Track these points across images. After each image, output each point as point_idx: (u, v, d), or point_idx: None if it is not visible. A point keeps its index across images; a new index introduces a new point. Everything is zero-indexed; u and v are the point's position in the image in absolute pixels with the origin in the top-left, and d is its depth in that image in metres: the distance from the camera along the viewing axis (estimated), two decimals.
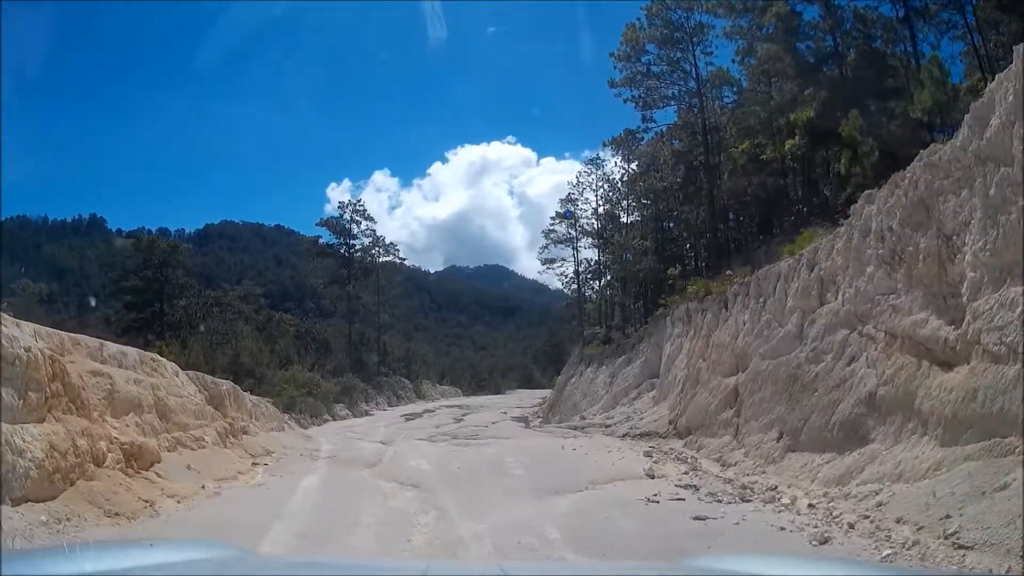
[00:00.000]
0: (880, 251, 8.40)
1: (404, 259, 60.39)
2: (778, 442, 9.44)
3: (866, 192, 9.55)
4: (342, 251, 51.44)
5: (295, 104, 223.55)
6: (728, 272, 14.65)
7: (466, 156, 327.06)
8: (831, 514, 6.76)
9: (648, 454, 11.69)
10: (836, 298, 9.25)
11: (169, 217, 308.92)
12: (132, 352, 9.95)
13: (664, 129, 32.52)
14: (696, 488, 8.21)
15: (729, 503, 7.37)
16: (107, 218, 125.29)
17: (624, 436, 15.09)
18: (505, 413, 35.81)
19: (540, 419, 33.76)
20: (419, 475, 10.22)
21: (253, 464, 11.23)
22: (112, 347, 9.58)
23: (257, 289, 50.08)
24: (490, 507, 7.61)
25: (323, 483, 9.71)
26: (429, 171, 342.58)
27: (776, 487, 8.06)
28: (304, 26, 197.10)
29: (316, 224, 52.74)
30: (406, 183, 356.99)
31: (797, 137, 23.69)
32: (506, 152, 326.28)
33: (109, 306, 40.39)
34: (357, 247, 52.11)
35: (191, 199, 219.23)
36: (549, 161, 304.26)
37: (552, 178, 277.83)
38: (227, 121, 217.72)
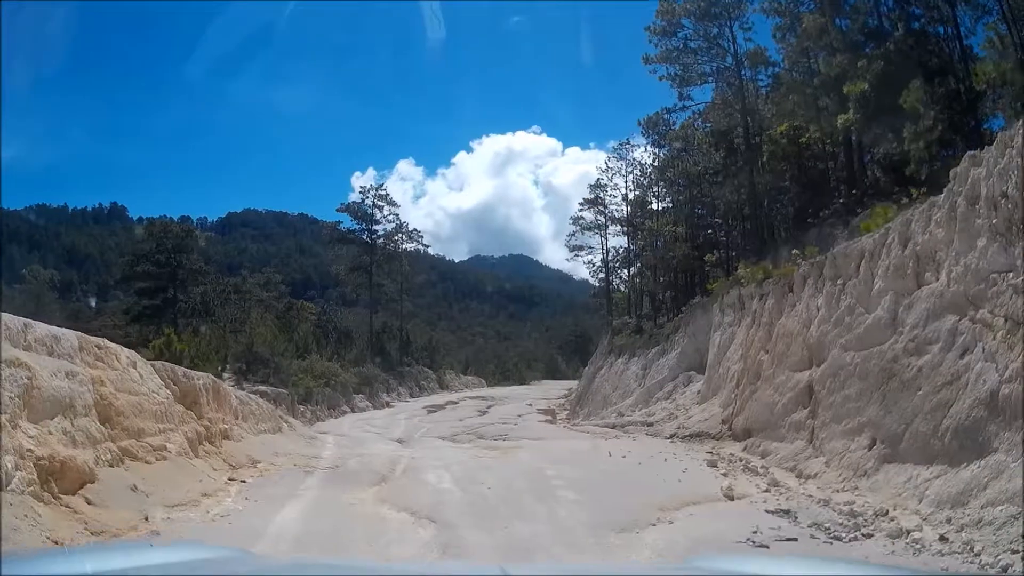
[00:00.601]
0: (993, 221, 6.90)
1: (428, 246, 58.81)
2: (869, 450, 7.87)
3: (969, 153, 7.94)
4: (364, 237, 50.03)
5: (319, 92, 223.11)
6: (795, 252, 12.96)
7: (491, 146, 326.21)
8: (972, 549, 5.26)
9: (712, 463, 10.03)
10: (938, 278, 7.68)
11: (192, 206, 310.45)
12: (70, 336, 7.47)
13: (701, 108, 30.78)
14: (794, 516, 6.61)
15: (850, 541, 5.79)
16: (128, 207, 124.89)
17: (672, 438, 13.50)
18: (530, 405, 34.61)
19: (567, 412, 32.72)
20: (439, 499, 7.97)
21: (228, 481, 9.00)
22: (40, 329, 7.17)
23: (277, 276, 48.73)
24: (540, 556, 5.50)
25: (308, 515, 7.25)
26: (454, 160, 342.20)
27: (887, 512, 6.50)
28: (331, 14, 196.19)
29: (337, 209, 51.22)
30: (431, 172, 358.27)
31: (852, 111, 21.93)
32: (531, 142, 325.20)
33: (128, 294, 39.59)
34: (379, 233, 50.66)
35: (215, 188, 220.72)
36: (574, 151, 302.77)
37: (577, 168, 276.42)
38: (251, 110, 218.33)
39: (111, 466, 6.85)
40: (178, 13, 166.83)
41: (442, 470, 10.23)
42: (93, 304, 37.93)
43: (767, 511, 6.90)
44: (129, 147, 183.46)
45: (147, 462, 7.61)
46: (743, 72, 29.67)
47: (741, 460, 10.26)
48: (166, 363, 11.02)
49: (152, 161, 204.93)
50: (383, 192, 51.18)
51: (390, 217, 50.93)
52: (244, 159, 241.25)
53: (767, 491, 7.94)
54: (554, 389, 48.69)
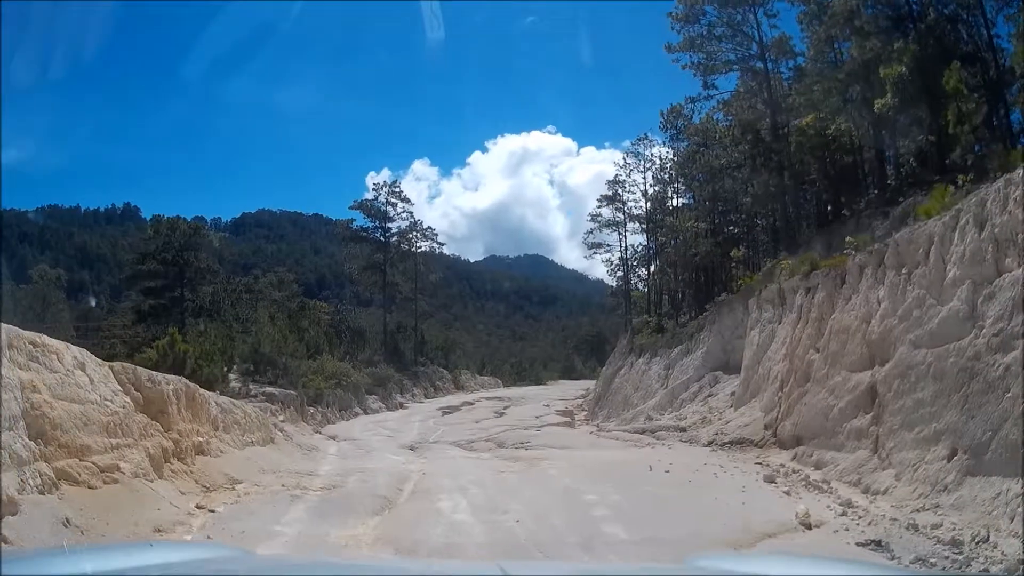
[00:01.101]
0: None
1: (443, 244, 57.62)
2: (949, 462, 6.82)
3: None
4: (377, 235, 49.05)
5: (332, 93, 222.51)
6: (849, 239, 11.83)
7: (506, 145, 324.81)
8: None
9: (770, 479, 8.82)
10: (1020, 264, 6.64)
11: (206, 207, 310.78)
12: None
13: (726, 97, 29.72)
14: (889, 549, 5.49)
15: None
16: (141, 207, 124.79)
17: (711, 445, 12.42)
18: (548, 406, 33.66)
19: (585, 412, 31.98)
20: (454, 538, 6.50)
21: (196, 508, 7.46)
22: None
23: (290, 275, 47.97)
24: None
25: None
26: (469, 160, 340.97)
27: (987, 537, 5.46)
28: (340, 14, 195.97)
29: (350, 207, 50.26)
30: (446, 172, 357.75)
31: (889, 95, 20.83)
32: (546, 141, 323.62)
33: (139, 293, 38.89)
34: (393, 231, 49.66)
35: (229, 189, 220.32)
36: (589, 150, 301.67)
37: (592, 167, 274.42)
38: (265, 110, 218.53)
39: (41, 493, 5.62)
40: (193, 19, 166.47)
41: (458, 494, 8.75)
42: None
43: (857, 543, 5.80)
44: (141, 148, 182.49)
45: (91, 487, 6.28)
46: (768, 60, 28.64)
47: (795, 472, 9.18)
48: (127, 364, 9.22)
49: (165, 162, 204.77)
50: (396, 189, 50.27)
51: (404, 214, 50.05)
52: (258, 160, 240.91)
53: (843, 515, 6.84)
54: (571, 389, 47.74)
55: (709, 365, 21.00)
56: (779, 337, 13.02)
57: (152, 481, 7.52)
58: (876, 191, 22.87)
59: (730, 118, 31.00)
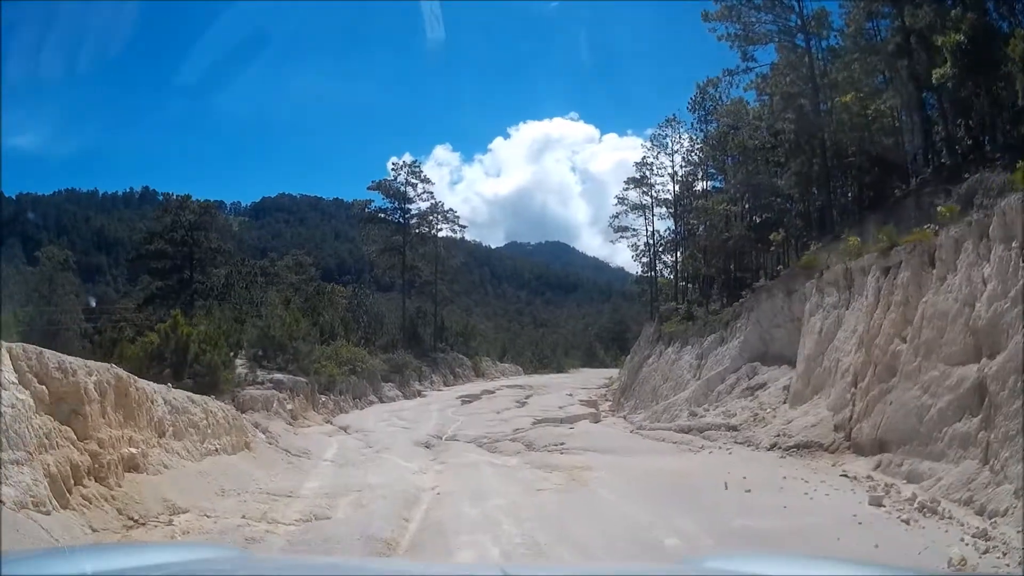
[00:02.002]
0: None
1: (465, 226, 55.70)
2: None
3: None
4: (396, 216, 47.52)
5: (354, 77, 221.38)
6: (941, 208, 10.22)
7: (528, 132, 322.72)
8: None
9: (877, 501, 7.06)
10: None
11: (225, 190, 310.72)
12: None
13: (764, 70, 28.12)
14: None
15: None
16: (159, 191, 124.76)
17: (774, 448, 10.91)
18: (571, 396, 32.38)
19: (611, 403, 30.84)
20: None
21: None
22: None
23: (307, 258, 46.67)
24: None
25: None
26: (491, 146, 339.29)
27: None
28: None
29: (369, 187, 48.40)
30: (467, 158, 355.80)
31: (948, 64, 19.17)
32: (568, 128, 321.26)
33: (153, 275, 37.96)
34: (413, 212, 48.04)
35: (249, 173, 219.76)
36: (612, 137, 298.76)
37: (615, 154, 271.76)
38: (286, 94, 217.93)
39: None
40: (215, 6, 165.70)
41: (484, 532, 6.83)
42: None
43: None
44: (160, 133, 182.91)
45: None
46: (809, 33, 27.03)
47: (890, 487, 7.69)
48: (30, 347, 6.67)
49: (184, 146, 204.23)
50: (416, 168, 48.35)
51: (424, 195, 48.32)
52: (278, 145, 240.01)
53: (986, 552, 5.36)
54: (593, 378, 46.46)
55: (746, 355, 19.77)
56: (848, 324, 11.48)
57: (49, 514, 5.52)
58: (929, 170, 21.23)
59: (764, 97, 29.72)
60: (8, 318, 22.09)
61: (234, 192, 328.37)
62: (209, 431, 10.51)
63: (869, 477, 8.27)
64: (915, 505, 6.91)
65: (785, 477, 8.87)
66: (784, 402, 13.40)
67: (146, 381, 9.47)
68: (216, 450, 10.35)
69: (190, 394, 11.15)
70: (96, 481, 6.71)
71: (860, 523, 6.64)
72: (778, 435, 11.38)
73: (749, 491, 8.28)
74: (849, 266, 12.10)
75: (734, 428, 13.18)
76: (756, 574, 2.38)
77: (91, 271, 71.76)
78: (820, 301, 13.21)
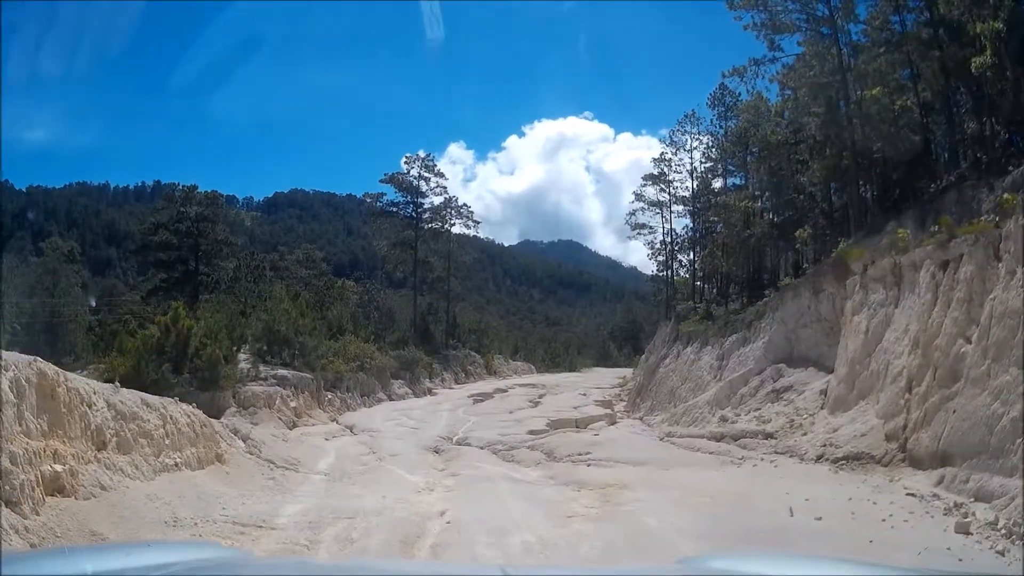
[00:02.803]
0: None
1: (479, 222, 54.42)
2: None
3: None
4: (409, 211, 46.46)
5: (368, 73, 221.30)
6: (1006, 195, 9.27)
7: (543, 131, 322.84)
8: None
9: (963, 528, 6.16)
10: None
11: (238, 186, 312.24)
12: None
13: (790, 60, 27.23)
14: None
15: None
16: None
17: (821, 460, 9.93)
18: (585, 395, 31.58)
19: (625, 403, 29.81)
20: None
21: None
22: None
23: (318, 252, 45.97)
24: None
25: None
26: (505, 144, 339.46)
27: None
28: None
29: (381, 180, 47.46)
30: (481, 156, 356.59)
31: (988, 53, 18.31)
32: (583, 128, 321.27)
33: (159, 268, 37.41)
34: (426, 207, 46.93)
35: (262, 170, 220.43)
36: (626, 136, 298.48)
37: (629, 153, 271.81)
38: (299, 90, 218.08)
39: None
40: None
41: None
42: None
43: None
44: (172, 129, 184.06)
45: None
46: (837, 20, 26.17)
47: (960, 507, 6.77)
48: None
49: (196, 142, 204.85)
50: (430, 162, 47.22)
51: (437, 190, 47.21)
52: (291, 141, 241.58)
53: None
54: (607, 377, 45.55)
55: (771, 357, 18.96)
56: (898, 323, 10.54)
57: None
58: (967, 164, 20.32)
59: (787, 91, 28.85)
60: None
61: (246, 187, 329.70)
62: (167, 441, 8.90)
63: (935, 495, 7.34)
64: (1000, 531, 6.00)
65: (851, 498, 7.85)
66: (822, 407, 12.47)
67: (84, 379, 8.00)
68: (176, 465, 8.79)
69: (145, 395, 9.38)
70: (8, 507, 5.28)
71: (959, 559, 5.73)
72: (824, 445, 10.41)
73: (820, 519, 7.22)
74: (898, 261, 11.16)
75: (771, 436, 12.22)
76: (757, 574, 2.38)
77: (101, 264, 71.74)
78: (864, 299, 12.25)
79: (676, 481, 9.76)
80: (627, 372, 43.71)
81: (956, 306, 8.48)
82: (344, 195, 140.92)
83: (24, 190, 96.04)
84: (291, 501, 8.86)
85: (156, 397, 9.83)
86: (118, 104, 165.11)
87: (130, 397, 8.63)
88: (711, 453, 12.78)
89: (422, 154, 47.54)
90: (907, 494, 7.74)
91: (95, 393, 7.68)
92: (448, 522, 7.65)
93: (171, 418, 9.25)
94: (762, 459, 11.32)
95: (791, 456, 10.93)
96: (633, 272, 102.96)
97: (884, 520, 7.00)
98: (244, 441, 11.54)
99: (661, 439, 16.61)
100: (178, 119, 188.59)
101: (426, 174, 46.12)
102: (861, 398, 11.12)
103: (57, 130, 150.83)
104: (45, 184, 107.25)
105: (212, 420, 11.10)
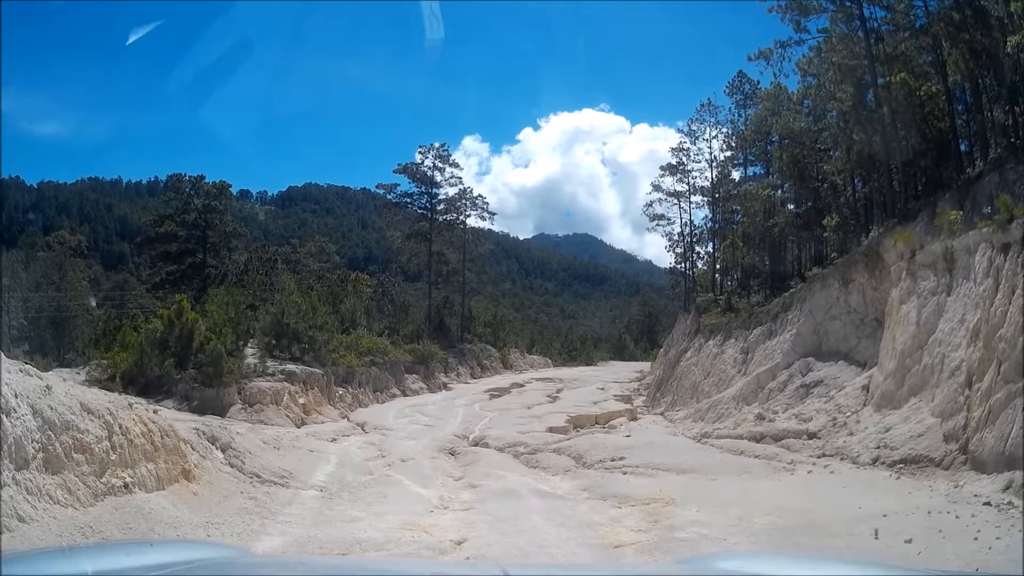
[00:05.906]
0: None
1: (494, 214, 53.76)
2: None
3: None
4: (423, 202, 45.47)
5: (385, 66, 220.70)
6: None
7: (558, 123, 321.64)
8: None
9: None
10: None
11: (252, 180, 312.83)
12: None
13: (818, 42, 26.44)
14: None
15: None
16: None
17: (876, 463, 9.14)
18: (603, 389, 30.88)
19: (644, 398, 29.44)
20: None
21: None
22: None
23: (331, 246, 45.36)
24: None
25: None
26: (520, 137, 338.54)
27: None
28: None
29: (394, 171, 46.46)
30: (496, 149, 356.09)
31: (1022, 32, 17.60)
32: (599, 120, 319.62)
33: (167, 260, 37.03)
34: (440, 197, 45.87)
35: (276, 163, 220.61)
36: (642, 128, 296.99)
37: (645, 145, 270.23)
38: (314, 82, 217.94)
39: None
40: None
41: None
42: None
43: None
44: (185, 121, 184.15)
45: None
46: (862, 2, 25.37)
47: None
48: None
49: (210, 133, 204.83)
50: (444, 152, 45.86)
51: (452, 180, 46.09)
52: (306, 134, 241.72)
53: None
54: (624, 371, 44.99)
55: (799, 350, 18.39)
56: (953, 313, 9.74)
57: None
58: (1002, 146, 19.50)
59: (809, 79, 28.09)
60: None
61: (260, 182, 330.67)
62: (114, 456, 7.24)
63: (1010, 503, 6.56)
64: None
65: (930, 512, 6.91)
66: (865, 404, 11.67)
67: (5, 376, 6.24)
68: (125, 486, 7.14)
69: (86, 400, 7.49)
70: None
71: None
72: (878, 447, 9.57)
73: (910, 541, 6.22)
74: (950, 245, 10.33)
75: (814, 436, 11.39)
76: (759, 574, 2.45)
77: (113, 259, 71.60)
78: (912, 286, 11.43)
79: (729, 495, 8.67)
80: (644, 366, 43.26)
81: (1022, 293, 7.68)
82: (359, 189, 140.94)
83: (35, 185, 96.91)
84: (269, 530, 7.44)
85: (104, 398, 8.26)
86: (130, 98, 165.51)
87: (65, 400, 6.98)
88: (756, 457, 11.87)
89: (436, 144, 46.26)
90: (983, 503, 6.89)
91: (16, 396, 6.14)
92: (467, 558, 6.41)
93: (120, 427, 7.59)
94: (814, 463, 10.48)
95: (842, 459, 10.15)
96: (648, 265, 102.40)
97: (976, 538, 6.09)
98: (224, 451, 9.95)
99: (697, 440, 15.62)
100: (191, 114, 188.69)
101: (440, 164, 45.05)
102: (913, 394, 10.29)
103: (70, 125, 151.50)
104: (57, 179, 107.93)
105: (178, 428, 9.38)
